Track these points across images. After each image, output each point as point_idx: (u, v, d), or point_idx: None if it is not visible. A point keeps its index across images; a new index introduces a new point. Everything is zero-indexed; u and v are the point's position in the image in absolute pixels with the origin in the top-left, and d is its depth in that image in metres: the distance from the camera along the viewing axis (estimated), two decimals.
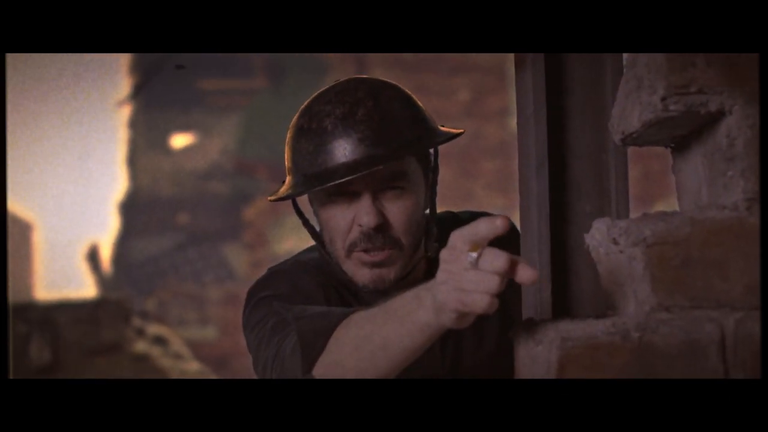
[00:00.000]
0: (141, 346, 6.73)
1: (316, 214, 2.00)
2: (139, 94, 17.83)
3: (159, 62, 16.78)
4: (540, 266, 1.44)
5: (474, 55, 16.78)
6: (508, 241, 1.47)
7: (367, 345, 1.55)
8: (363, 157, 1.86)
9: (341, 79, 1.98)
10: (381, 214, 1.90)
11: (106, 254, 17.80)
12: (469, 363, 2.04)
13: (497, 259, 1.20)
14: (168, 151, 18.06)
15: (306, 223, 2.05)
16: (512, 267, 1.21)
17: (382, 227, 1.90)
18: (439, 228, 1.99)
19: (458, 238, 1.25)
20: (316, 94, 1.98)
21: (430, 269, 1.96)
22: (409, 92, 1.98)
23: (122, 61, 18.06)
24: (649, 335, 1.20)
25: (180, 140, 18.05)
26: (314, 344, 1.70)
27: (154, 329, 7.05)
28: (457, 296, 1.24)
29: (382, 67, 16.64)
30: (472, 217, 2.07)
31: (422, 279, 1.62)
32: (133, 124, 18.28)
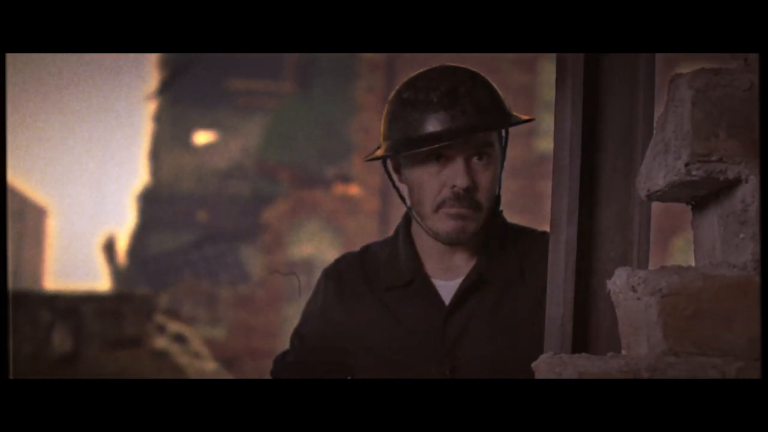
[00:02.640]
0: (161, 343, 6.87)
1: (404, 179, 2.33)
2: (167, 90, 17.99)
3: (187, 60, 16.97)
4: (564, 304, 1.59)
5: (506, 74, 16.93)
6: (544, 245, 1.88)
7: None
8: (463, 126, 2.19)
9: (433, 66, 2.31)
10: (472, 178, 2.22)
11: (122, 246, 17.96)
12: (471, 353, 2.29)
13: None
14: (191, 147, 18.22)
15: (394, 184, 2.37)
16: None
17: (470, 189, 2.22)
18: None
19: None
20: (415, 74, 2.31)
21: (496, 236, 2.32)
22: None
23: (151, 57, 18.22)
24: (658, 377, 1.33)
25: (203, 137, 18.20)
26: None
27: (175, 327, 7.20)
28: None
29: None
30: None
31: (486, 247, 2.28)
32: (158, 119, 18.44)
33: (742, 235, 1.39)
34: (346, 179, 16.95)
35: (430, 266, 2.33)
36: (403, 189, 2.35)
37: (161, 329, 6.90)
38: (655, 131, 1.52)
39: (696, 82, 1.39)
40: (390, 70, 16.90)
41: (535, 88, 17.10)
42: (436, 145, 2.18)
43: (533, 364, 1.46)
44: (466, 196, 2.21)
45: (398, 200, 2.33)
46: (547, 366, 1.40)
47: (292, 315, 16.83)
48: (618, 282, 1.44)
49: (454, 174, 2.21)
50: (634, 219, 1.62)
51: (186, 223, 17.79)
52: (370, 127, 16.77)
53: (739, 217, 1.40)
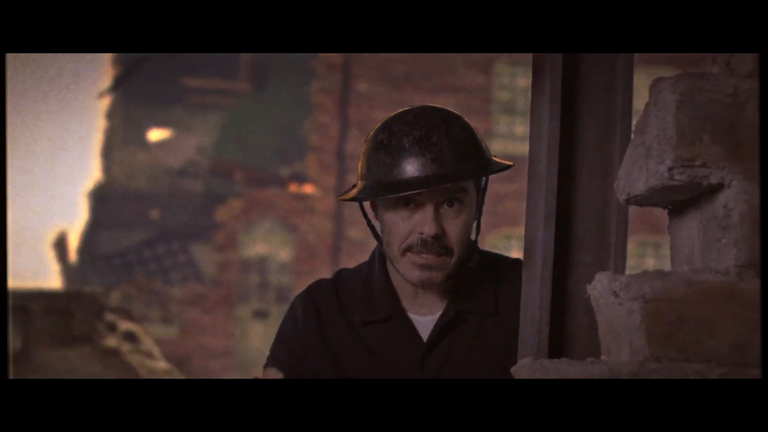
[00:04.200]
0: (112, 341, 6.81)
1: (378, 217, 2.32)
2: (120, 87, 17.86)
3: (141, 57, 16.84)
4: (541, 309, 1.57)
5: (461, 75, 16.98)
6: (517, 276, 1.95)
7: None
8: (433, 174, 2.18)
9: (414, 105, 2.31)
10: (440, 226, 2.20)
11: (73, 244, 17.80)
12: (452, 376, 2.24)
13: None
14: (144, 145, 18.10)
15: (369, 223, 2.37)
16: None
17: (439, 236, 2.20)
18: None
19: None
20: (393, 114, 2.29)
21: (470, 276, 2.31)
22: (471, 124, 2.29)
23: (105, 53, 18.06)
24: None
25: (157, 135, 18.09)
26: None
27: (125, 325, 7.14)
28: None
29: (368, 81, 16.79)
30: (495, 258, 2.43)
31: (461, 283, 2.28)
32: (112, 116, 18.31)
33: (724, 240, 1.38)
34: (300, 179, 16.93)
35: (406, 302, 2.33)
36: (378, 226, 2.34)
37: (112, 328, 6.84)
38: (633, 135, 1.50)
39: (680, 87, 1.38)
40: (346, 70, 16.89)
41: (490, 90, 17.16)
42: (404, 193, 2.18)
43: (512, 369, 1.44)
44: (435, 244, 2.20)
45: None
46: (528, 371, 1.38)
47: (245, 315, 16.79)
48: (598, 286, 1.43)
49: (423, 221, 2.20)
50: (611, 223, 1.61)
51: (138, 221, 17.68)
52: (326, 127, 16.76)
53: (720, 222, 1.39)
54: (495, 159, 2.29)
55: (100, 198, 17.85)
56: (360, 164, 2.30)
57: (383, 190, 2.21)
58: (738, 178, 1.37)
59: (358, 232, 16.12)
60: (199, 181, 17.69)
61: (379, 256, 2.38)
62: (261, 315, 16.72)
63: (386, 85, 16.57)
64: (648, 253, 17.29)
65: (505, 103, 17.35)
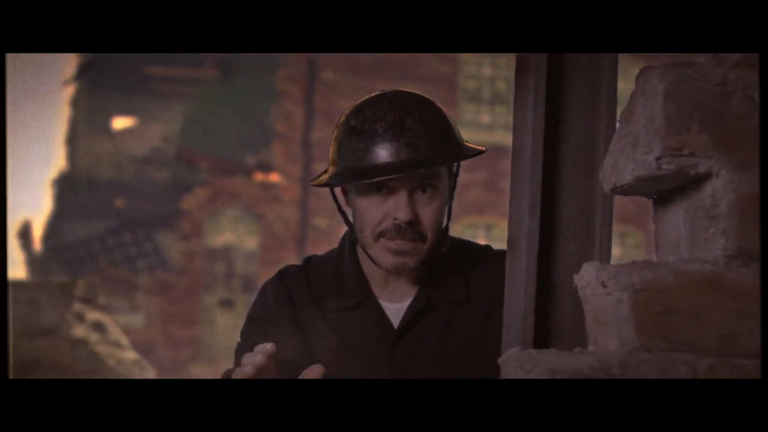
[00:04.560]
0: (80, 331, 6.76)
1: (350, 202, 2.30)
2: (85, 74, 17.73)
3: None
4: (526, 299, 1.56)
5: (427, 64, 16.96)
6: (500, 265, 1.92)
7: None
8: (407, 160, 2.15)
9: (386, 90, 2.27)
10: (414, 211, 2.18)
11: (37, 233, 17.66)
12: (421, 376, 2.22)
13: (256, 355, 2.04)
14: (109, 133, 17.97)
15: (340, 209, 2.33)
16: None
17: (413, 222, 2.19)
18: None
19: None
20: (366, 98, 2.26)
21: (441, 262, 2.29)
22: (443, 110, 2.27)
23: None
24: (630, 373, 1.31)
25: (122, 123, 17.97)
26: None
27: (93, 315, 7.09)
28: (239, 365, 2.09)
29: (334, 69, 16.75)
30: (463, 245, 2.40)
31: (432, 270, 2.26)
32: (76, 103, 18.16)
33: (712, 230, 1.38)
34: (266, 167, 16.87)
35: (377, 289, 2.32)
36: (349, 212, 2.33)
37: (80, 318, 6.79)
38: (619, 124, 1.50)
39: (668, 76, 1.37)
40: (311, 58, 16.84)
41: (456, 79, 17.16)
42: (378, 178, 2.15)
43: (499, 360, 1.43)
44: (408, 229, 2.19)
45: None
46: (516, 362, 1.37)
47: (211, 303, 16.73)
48: (585, 276, 1.42)
49: (396, 207, 2.19)
50: (596, 213, 1.60)
51: (103, 209, 17.55)
52: (291, 116, 16.71)
53: (708, 211, 1.39)
54: (467, 144, 2.28)
55: (64, 187, 17.71)
56: (331, 149, 2.28)
57: (356, 176, 2.18)
58: (726, 168, 1.37)
59: (324, 221, 16.10)
60: (164, 169, 17.58)
61: (349, 243, 2.36)
62: (227, 304, 16.66)
63: (352, 74, 16.53)
64: (614, 243, 17.36)
65: (471, 92, 17.35)
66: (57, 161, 17.47)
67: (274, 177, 16.82)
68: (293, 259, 15.60)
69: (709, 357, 1.34)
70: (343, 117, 2.27)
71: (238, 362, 2.33)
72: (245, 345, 2.33)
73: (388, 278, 2.30)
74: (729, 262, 1.36)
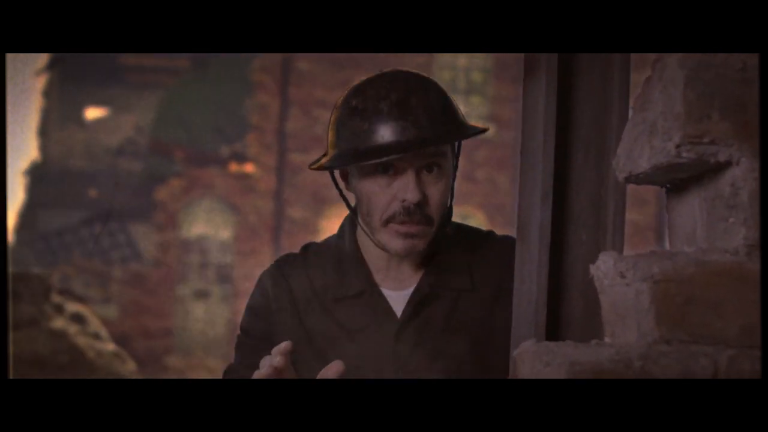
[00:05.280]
0: (59, 323, 6.70)
1: (352, 187, 2.23)
2: (57, 64, 17.60)
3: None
4: (538, 290, 1.53)
5: (402, 55, 16.92)
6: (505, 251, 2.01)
7: None
8: (414, 138, 2.09)
9: (385, 70, 2.21)
10: (422, 192, 2.12)
11: (9, 224, 17.56)
12: (425, 366, 2.18)
13: (274, 357, 1.95)
14: (82, 124, 17.85)
15: (341, 193, 2.28)
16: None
17: (421, 203, 2.13)
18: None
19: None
20: (365, 79, 2.20)
21: (444, 246, 2.24)
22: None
23: None
24: (650, 365, 1.29)
25: (94, 114, 17.85)
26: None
27: (72, 307, 7.03)
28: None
29: (309, 59, 16.68)
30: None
31: (435, 254, 2.22)
32: (48, 94, 18.03)
33: (732, 220, 1.35)
34: (241, 158, 16.80)
35: (378, 275, 2.26)
36: (350, 197, 2.27)
37: (59, 309, 6.73)
38: (633, 112, 1.47)
39: (688, 62, 1.34)
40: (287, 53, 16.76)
41: (431, 70, 17.11)
42: (386, 159, 2.09)
43: (515, 353, 1.40)
44: (417, 211, 2.13)
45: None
46: (533, 355, 1.34)
47: (186, 294, 16.66)
48: (602, 267, 1.39)
49: (405, 187, 2.13)
50: (608, 202, 1.57)
51: (76, 200, 17.44)
52: (266, 107, 16.64)
53: (727, 201, 1.36)
54: (471, 124, 2.23)
55: (37, 177, 17.58)
56: (330, 132, 2.21)
57: (361, 157, 2.12)
58: (746, 156, 1.34)
59: (299, 212, 16.04)
60: (138, 160, 17.48)
61: (349, 229, 2.30)
62: (202, 295, 16.60)
63: (327, 64, 16.47)
64: None
65: (446, 82, 17.31)
66: (29, 152, 17.29)
67: (249, 168, 16.75)
68: (269, 250, 15.57)
69: (730, 349, 1.31)
70: (342, 98, 2.21)
71: (239, 357, 2.29)
72: (246, 339, 2.29)
73: (390, 264, 2.24)
74: (750, 252, 1.33)
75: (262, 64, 16.64)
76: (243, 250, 16.20)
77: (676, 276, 1.31)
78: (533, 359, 1.34)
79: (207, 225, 16.77)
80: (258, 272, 2.37)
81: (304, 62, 16.60)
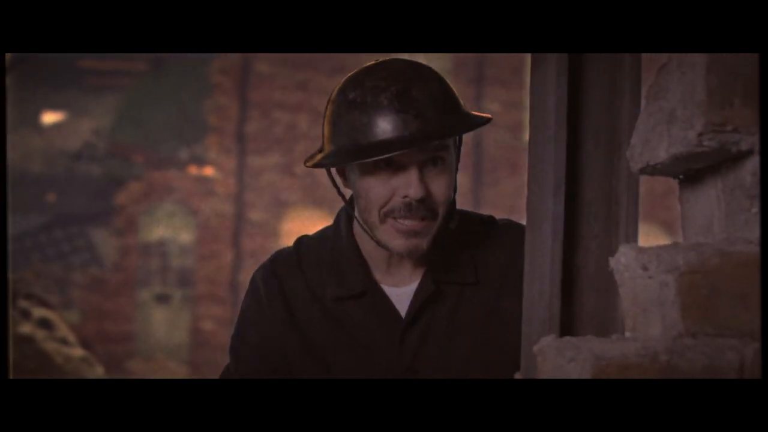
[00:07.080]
0: (26, 328, 6.60)
1: (350, 182, 2.13)
2: (13, 68, 17.43)
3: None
4: (551, 284, 1.49)
5: (356, 56, 16.86)
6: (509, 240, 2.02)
7: None
8: (417, 132, 1.99)
9: (382, 59, 2.10)
10: (425, 187, 2.03)
11: None
12: (432, 365, 2.11)
13: None
14: (39, 128, 17.68)
15: (338, 191, 2.17)
16: None
17: (424, 199, 2.03)
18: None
19: None
20: (361, 69, 2.09)
21: (447, 239, 2.14)
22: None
23: None
24: (676, 359, 1.25)
25: (52, 117, 17.69)
26: None
27: (40, 312, 6.94)
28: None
29: (268, 61, 16.60)
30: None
31: (438, 249, 2.11)
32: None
33: (754, 210, 1.32)
34: (200, 161, 16.69)
35: (378, 273, 2.17)
36: (348, 193, 2.18)
37: (26, 314, 6.62)
38: (646, 100, 1.43)
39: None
40: (244, 53, 16.70)
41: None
42: (387, 155, 1.99)
43: (535, 348, 1.36)
44: (419, 207, 2.04)
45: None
46: (555, 350, 1.30)
47: (146, 299, 16.53)
48: (623, 259, 1.35)
49: (407, 183, 2.03)
50: (621, 194, 1.53)
51: (34, 205, 17.28)
52: (225, 109, 16.55)
53: (749, 190, 1.33)
54: (473, 113, 2.13)
55: None
56: (325, 127, 2.10)
57: (362, 153, 2.01)
58: None
59: (259, 214, 15.95)
60: (96, 164, 17.33)
61: (346, 223, 2.20)
62: (163, 299, 16.48)
63: (287, 66, 16.40)
64: None
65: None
66: None
67: (209, 170, 16.65)
68: (229, 253, 15.47)
69: (755, 342, 1.28)
70: (337, 91, 2.11)
71: (234, 361, 2.21)
72: (239, 344, 2.21)
73: (391, 261, 2.15)
74: None
75: (221, 66, 16.54)
76: (204, 253, 16.10)
77: (701, 267, 1.28)
78: (556, 354, 1.31)
79: (167, 228, 16.65)
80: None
81: (264, 64, 16.51)
